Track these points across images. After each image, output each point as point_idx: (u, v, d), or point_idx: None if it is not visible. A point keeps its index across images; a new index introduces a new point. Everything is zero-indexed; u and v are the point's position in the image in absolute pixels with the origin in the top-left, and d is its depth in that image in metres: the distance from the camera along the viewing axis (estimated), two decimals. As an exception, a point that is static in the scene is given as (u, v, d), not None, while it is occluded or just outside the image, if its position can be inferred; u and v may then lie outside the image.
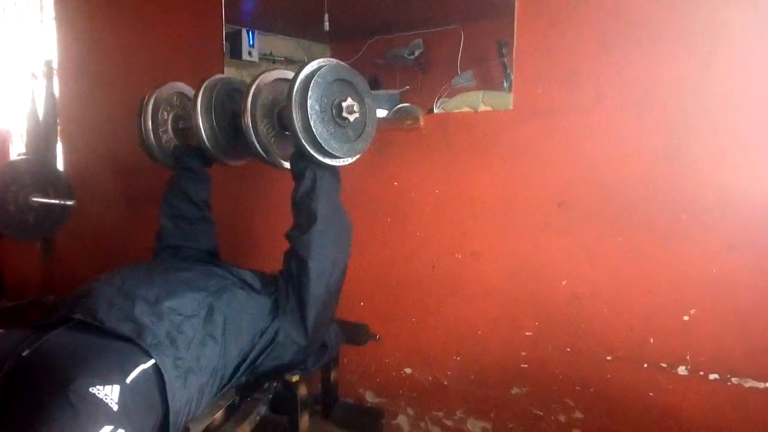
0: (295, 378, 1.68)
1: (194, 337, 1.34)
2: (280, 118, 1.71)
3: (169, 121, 1.98)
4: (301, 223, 1.64)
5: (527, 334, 1.83)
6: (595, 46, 1.66)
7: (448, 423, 2.02)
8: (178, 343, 1.29)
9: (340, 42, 2.35)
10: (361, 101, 1.62)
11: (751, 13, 1.47)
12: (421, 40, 2.17)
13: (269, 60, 2.45)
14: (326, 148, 1.54)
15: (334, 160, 1.61)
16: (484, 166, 1.86)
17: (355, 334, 2.07)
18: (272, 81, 1.73)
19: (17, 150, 3.51)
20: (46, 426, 1.03)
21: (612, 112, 1.65)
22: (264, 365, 1.55)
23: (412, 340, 2.06)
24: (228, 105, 1.81)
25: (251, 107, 1.66)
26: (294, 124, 1.51)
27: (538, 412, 1.84)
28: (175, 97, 2.00)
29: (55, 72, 3.16)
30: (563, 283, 1.75)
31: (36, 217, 2.69)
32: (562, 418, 1.80)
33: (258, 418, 1.69)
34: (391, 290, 2.08)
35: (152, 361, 1.21)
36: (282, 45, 2.50)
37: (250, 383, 1.60)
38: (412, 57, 2.18)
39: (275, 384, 1.72)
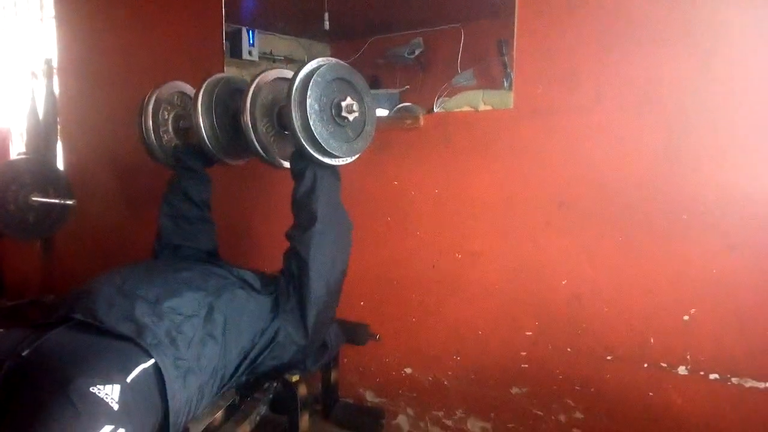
0: (295, 378, 1.68)
1: (194, 337, 1.34)
2: (279, 117, 1.71)
3: (170, 121, 1.98)
4: (301, 223, 1.64)
5: (527, 333, 1.83)
6: (595, 46, 1.66)
7: (448, 423, 2.02)
8: (178, 342, 1.29)
9: (340, 41, 2.35)
10: (360, 100, 1.62)
11: (751, 13, 1.47)
12: (421, 39, 2.16)
13: (269, 59, 2.45)
14: (325, 147, 1.54)
15: (333, 159, 1.61)
16: (484, 166, 1.86)
17: (355, 333, 2.07)
18: (272, 80, 1.73)
19: (17, 149, 3.50)
20: (46, 426, 1.03)
21: (612, 111, 1.65)
22: (264, 365, 1.55)
23: (412, 340, 2.06)
24: (229, 104, 1.81)
25: (251, 106, 1.66)
26: (293, 124, 1.51)
27: (538, 412, 1.84)
28: (176, 97, 2.00)
29: (55, 71, 3.16)
30: (563, 282, 1.75)
31: (36, 216, 2.70)
32: (562, 417, 1.80)
33: (258, 418, 1.69)
34: (391, 290, 2.08)
35: (152, 361, 1.21)
36: (282, 44, 2.50)
37: (250, 383, 1.60)
38: (412, 56, 2.18)
39: (275, 384, 1.72)
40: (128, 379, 1.14)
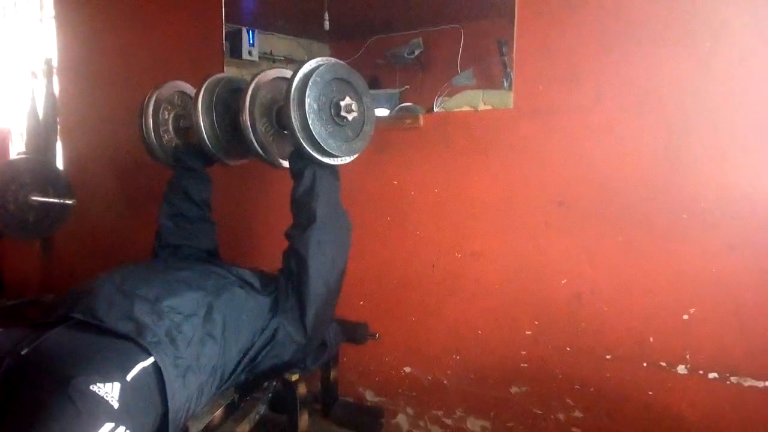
0: (295, 377, 1.68)
1: (194, 336, 1.34)
2: (278, 116, 1.71)
3: (170, 121, 1.98)
4: (300, 222, 1.64)
5: (527, 333, 1.83)
6: (595, 46, 1.66)
7: (448, 422, 2.02)
8: (178, 342, 1.29)
9: (340, 41, 2.35)
10: (359, 100, 1.62)
11: (751, 13, 1.47)
12: (421, 39, 2.17)
13: (269, 59, 2.45)
14: (324, 147, 1.54)
15: (332, 159, 1.61)
16: (484, 165, 1.86)
17: (355, 332, 2.07)
18: (271, 79, 1.73)
19: (17, 149, 3.51)
20: (46, 425, 1.02)
21: (612, 111, 1.65)
22: (263, 363, 1.55)
23: (412, 339, 2.06)
24: (229, 104, 1.81)
25: (250, 106, 1.66)
26: (292, 123, 1.51)
27: (538, 411, 1.84)
28: (176, 96, 2.00)
29: (54, 71, 3.16)
30: (563, 282, 1.76)
31: (36, 216, 2.70)
32: (561, 416, 1.80)
33: (257, 417, 1.69)
34: (391, 289, 2.08)
35: (152, 359, 1.21)
36: (282, 44, 2.50)
37: (250, 382, 1.60)
38: (412, 56, 2.18)
39: (275, 383, 1.72)
40: (128, 378, 1.14)
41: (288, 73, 1.71)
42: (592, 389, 1.74)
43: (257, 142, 1.69)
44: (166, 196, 1.89)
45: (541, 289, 1.80)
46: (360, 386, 2.21)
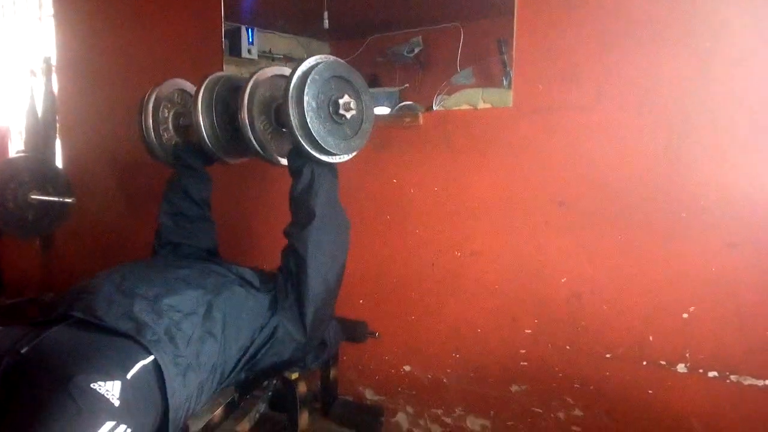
0: (295, 375, 1.68)
1: (193, 335, 1.34)
2: (277, 114, 1.71)
3: (170, 119, 1.97)
4: (299, 220, 1.64)
5: (527, 332, 1.83)
6: (595, 45, 1.66)
7: (448, 420, 2.03)
8: (177, 340, 1.29)
9: (339, 39, 2.34)
10: (358, 98, 1.62)
11: (752, 13, 1.47)
12: (420, 37, 2.17)
13: (268, 57, 2.45)
14: (323, 145, 1.54)
15: (330, 157, 1.61)
16: (483, 164, 1.86)
17: (355, 331, 2.07)
18: (270, 77, 1.73)
19: (16, 147, 3.50)
20: (47, 424, 1.02)
21: (612, 111, 1.65)
22: (263, 362, 1.55)
23: (412, 338, 2.06)
24: (229, 103, 1.80)
25: (248, 103, 1.66)
26: (291, 121, 1.50)
27: (538, 410, 1.84)
28: (176, 94, 2.00)
29: (53, 69, 3.16)
30: (563, 281, 1.76)
31: (35, 214, 2.69)
32: (561, 415, 1.80)
33: (257, 415, 1.69)
34: (391, 288, 2.08)
35: (152, 358, 1.21)
36: (281, 42, 2.49)
37: (250, 380, 1.60)
38: (411, 54, 2.18)
39: (275, 381, 1.73)
40: (128, 376, 1.14)
41: (287, 71, 1.71)
42: (592, 388, 1.74)
43: (256, 140, 1.69)
44: (166, 194, 1.89)
45: (541, 288, 1.80)
46: (360, 385, 2.21)
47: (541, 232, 1.78)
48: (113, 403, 1.08)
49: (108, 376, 1.11)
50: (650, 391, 1.65)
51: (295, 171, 1.65)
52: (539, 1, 1.73)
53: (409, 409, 2.11)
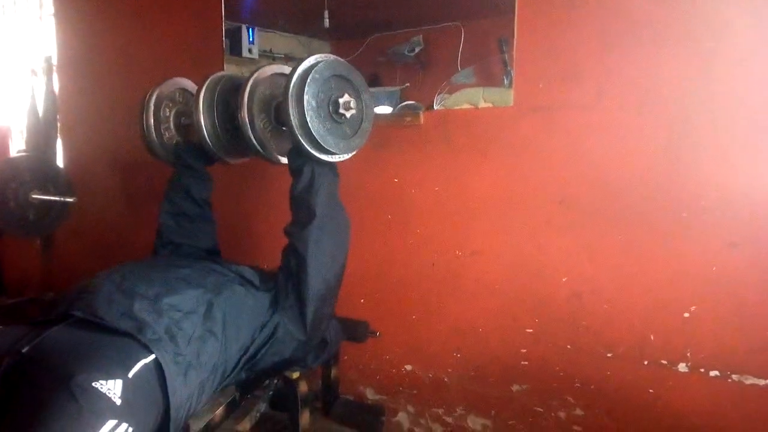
0: (296, 375, 1.68)
1: (194, 334, 1.34)
2: (277, 113, 1.71)
3: (171, 118, 1.97)
4: (299, 219, 1.64)
5: (528, 331, 1.83)
6: (596, 45, 1.65)
7: (449, 420, 2.02)
8: (178, 339, 1.29)
9: (340, 39, 2.34)
10: (358, 97, 1.62)
11: (753, 13, 1.47)
12: (421, 37, 2.17)
13: (269, 57, 2.45)
14: (322, 144, 1.54)
15: (330, 156, 1.61)
16: (484, 163, 1.86)
17: (356, 331, 2.07)
18: (270, 75, 1.73)
19: (17, 147, 3.50)
20: (48, 424, 1.02)
21: (613, 110, 1.65)
22: (264, 361, 1.55)
23: (413, 338, 2.06)
24: (230, 102, 1.81)
25: (248, 102, 1.66)
26: (290, 120, 1.50)
27: (539, 409, 1.84)
28: (178, 93, 2.00)
29: (54, 68, 3.16)
30: (564, 280, 1.75)
31: (36, 214, 2.69)
32: (562, 414, 1.80)
33: (258, 415, 1.69)
34: (392, 287, 2.08)
35: (153, 356, 1.21)
36: (282, 42, 2.49)
37: (251, 380, 1.60)
38: (412, 54, 2.18)
39: (275, 381, 1.73)
40: (129, 375, 1.14)
41: (287, 69, 1.71)
42: (592, 387, 1.74)
43: (255, 139, 1.69)
44: (167, 194, 1.89)
45: (541, 287, 1.80)
46: (361, 384, 2.21)
47: (541, 231, 1.78)
48: (115, 402, 1.08)
49: (109, 375, 1.10)
50: (651, 391, 1.65)
51: (295, 170, 1.64)
52: (540, 1, 1.72)
53: (410, 409, 2.11)
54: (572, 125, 1.71)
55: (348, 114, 1.58)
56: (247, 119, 1.66)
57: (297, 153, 1.61)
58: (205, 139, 1.78)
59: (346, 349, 2.16)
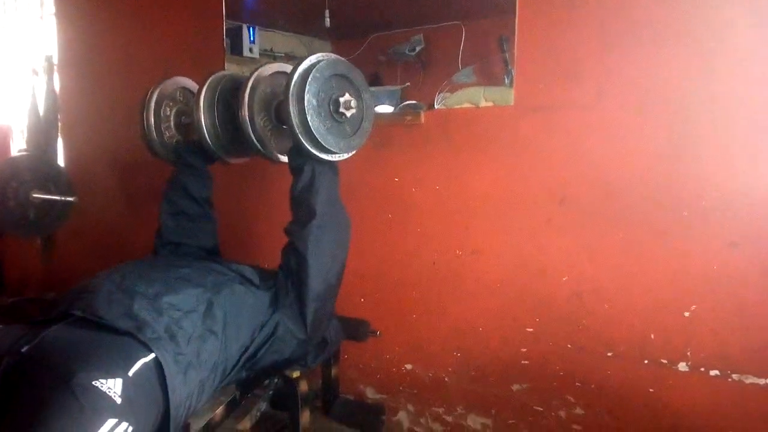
0: (296, 374, 1.68)
1: (194, 333, 1.34)
2: (277, 112, 1.71)
3: (172, 117, 1.97)
4: (299, 218, 1.64)
5: (528, 330, 1.83)
6: (596, 44, 1.65)
7: (449, 419, 2.02)
8: (178, 338, 1.29)
9: (341, 38, 2.35)
10: (358, 97, 1.62)
11: (755, 13, 1.47)
12: (422, 36, 2.17)
13: (270, 56, 2.45)
14: (322, 143, 1.54)
15: (329, 155, 1.61)
16: (485, 162, 1.86)
17: (356, 330, 2.07)
18: (271, 74, 1.73)
19: (18, 146, 3.51)
20: (48, 423, 1.02)
21: (614, 109, 1.65)
22: (264, 359, 1.55)
23: (413, 337, 2.06)
24: (231, 102, 1.81)
25: (249, 100, 1.66)
26: (291, 119, 1.50)
27: (539, 408, 1.84)
28: (179, 92, 2.00)
29: (55, 68, 3.16)
30: (564, 279, 1.75)
31: (36, 213, 2.69)
32: (562, 414, 1.80)
33: (258, 414, 1.69)
34: (392, 287, 2.08)
35: (153, 355, 1.21)
36: (283, 41, 2.49)
37: (251, 379, 1.60)
38: (413, 53, 2.18)
39: (276, 380, 1.72)
40: (130, 373, 1.14)
41: (288, 68, 1.71)
42: (593, 386, 1.74)
43: (255, 137, 1.69)
44: (167, 193, 1.89)
45: (542, 286, 1.79)
46: (361, 383, 2.21)
47: (542, 230, 1.78)
48: (115, 401, 1.08)
49: (109, 374, 1.11)
50: (651, 390, 1.65)
51: (295, 169, 1.65)
52: (540, 0, 1.72)
53: (411, 408, 2.11)
54: (572, 125, 1.71)
55: (348, 113, 1.58)
56: (247, 117, 1.66)
57: (297, 152, 1.61)
58: (205, 138, 1.78)
59: (347, 348, 2.16)
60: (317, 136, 1.52)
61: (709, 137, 1.53)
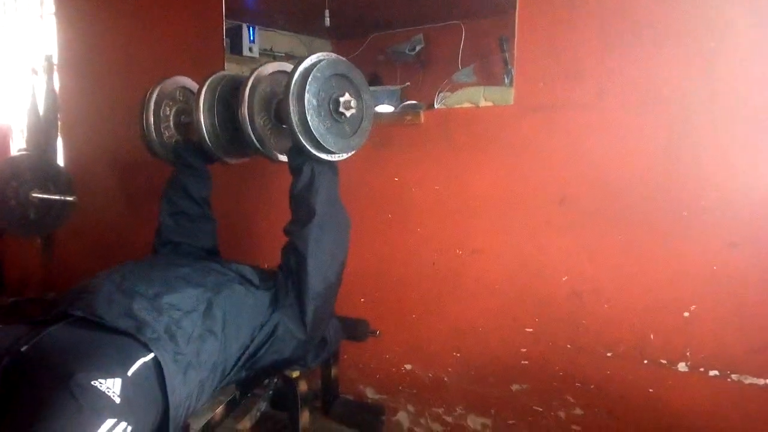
0: (296, 374, 1.68)
1: (193, 333, 1.34)
2: (277, 111, 1.71)
3: (171, 116, 1.97)
4: (299, 218, 1.64)
5: (528, 330, 1.83)
6: (597, 44, 1.65)
7: (449, 419, 2.02)
8: (178, 338, 1.29)
9: (341, 38, 2.34)
10: (358, 97, 1.62)
11: (755, 13, 1.46)
12: (422, 35, 2.16)
13: (270, 56, 2.45)
14: (322, 143, 1.54)
15: (329, 155, 1.61)
16: (484, 162, 1.86)
17: (355, 330, 2.07)
18: (271, 73, 1.73)
19: (18, 146, 3.51)
20: (47, 423, 1.02)
21: (614, 109, 1.64)
22: (264, 359, 1.55)
23: (413, 337, 2.06)
24: (230, 102, 1.80)
25: (249, 98, 1.66)
26: (291, 118, 1.50)
27: (539, 409, 1.84)
28: (178, 92, 2.00)
29: (55, 67, 3.16)
30: (564, 280, 1.75)
31: (36, 212, 2.69)
32: (562, 414, 1.80)
33: (258, 414, 1.69)
34: (392, 286, 2.08)
35: (152, 355, 1.21)
36: (283, 41, 2.49)
37: (251, 379, 1.60)
38: (413, 53, 2.18)
39: (275, 380, 1.73)
40: (129, 373, 1.14)
41: (288, 67, 1.71)
42: (592, 387, 1.74)
43: (255, 136, 1.69)
44: (166, 193, 1.89)
45: (541, 286, 1.79)
46: (361, 384, 2.21)
47: (541, 230, 1.78)
48: (114, 401, 1.08)
49: (108, 374, 1.10)
50: (651, 390, 1.65)
51: (295, 169, 1.64)
52: (541, 0, 1.72)
53: (410, 408, 2.11)
54: (573, 125, 1.71)
55: (348, 113, 1.58)
56: (247, 116, 1.66)
57: (297, 151, 1.61)
58: (205, 139, 1.78)
59: (346, 348, 2.16)
60: (317, 135, 1.52)
61: (709, 137, 1.53)
